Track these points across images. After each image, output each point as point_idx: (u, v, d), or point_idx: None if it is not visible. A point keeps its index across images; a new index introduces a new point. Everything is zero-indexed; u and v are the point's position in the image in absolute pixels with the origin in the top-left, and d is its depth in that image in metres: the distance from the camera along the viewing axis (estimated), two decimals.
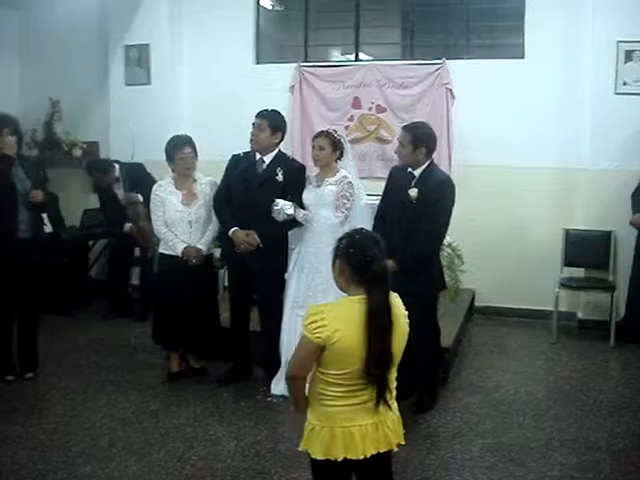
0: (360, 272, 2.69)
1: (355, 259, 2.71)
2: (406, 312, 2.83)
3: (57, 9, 7.59)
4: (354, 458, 2.71)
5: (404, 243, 4.61)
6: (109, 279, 7.60)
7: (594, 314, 6.77)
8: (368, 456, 2.72)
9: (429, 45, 7.64)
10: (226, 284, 6.07)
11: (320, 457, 2.73)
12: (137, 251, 7.22)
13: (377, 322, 2.65)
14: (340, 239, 2.80)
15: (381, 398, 2.70)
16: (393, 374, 2.78)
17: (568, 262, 6.81)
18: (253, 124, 5.14)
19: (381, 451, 2.75)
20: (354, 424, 2.72)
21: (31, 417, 4.75)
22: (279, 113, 5.24)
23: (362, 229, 2.91)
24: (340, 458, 2.71)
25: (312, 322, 2.66)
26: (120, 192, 7.07)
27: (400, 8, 7.93)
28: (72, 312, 7.25)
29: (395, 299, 2.80)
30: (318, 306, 2.77)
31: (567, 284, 6.60)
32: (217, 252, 5.72)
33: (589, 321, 6.79)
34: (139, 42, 7.74)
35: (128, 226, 6.99)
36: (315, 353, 2.68)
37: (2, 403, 4.97)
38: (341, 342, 2.64)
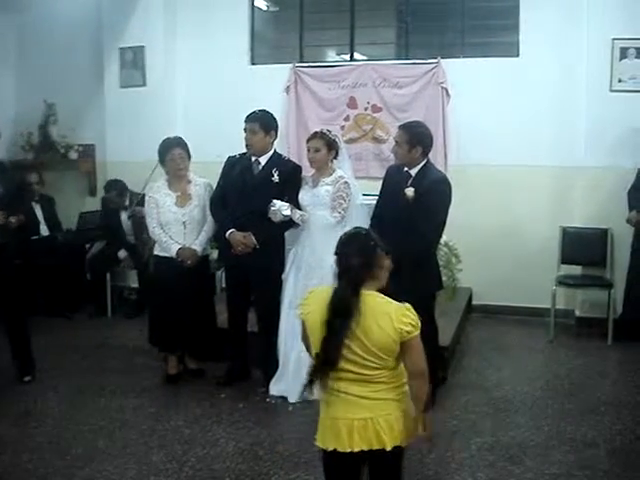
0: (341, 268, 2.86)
1: (339, 257, 2.88)
2: (403, 324, 2.77)
3: (52, 12, 7.57)
4: (341, 450, 2.75)
5: (401, 242, 4.57)
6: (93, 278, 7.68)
7: (591, 312, 6.78)
8: (356, 451, 2.74)
9: (424, 44, 7.62)
10: (223, 285, 6.06)
11: (319, 445, 2.86)
12: (122, 253, 7.35)
13: (332, 320, 2.74)
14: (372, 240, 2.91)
15: (313, 379, 2.78)
16: (358, 368, 2.76)
17: (565, 260, 6.82)
18: (245, 129, 5.13)
19: (373, 448, 2.75)
20: (339, 417, 2.78)
21: (29, 420, 4.75)
22: (268, 112, 5.22)
23: (354, 229, 3.06)
24: (330, 448, 2.78)
25: (302, 301, 2.96)
26: (124, 217, 7.24)
27: (395, 8, 7.92)
28: (69, 314, 7.25)
29: (378, 300, 2.81)
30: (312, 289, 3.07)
31: (564, 282, 6.61)
32: (214, 253, 5.72)
33: (586, 319, 6.79)
34: (134, 44, 7.72)
35: (123, 254, 7.32)
36: (303, 329, 2.92)
37: (0, 406, 4.96)
38: (310, 321, 2.83)
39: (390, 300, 2.82)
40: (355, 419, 2.75)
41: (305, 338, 2.94)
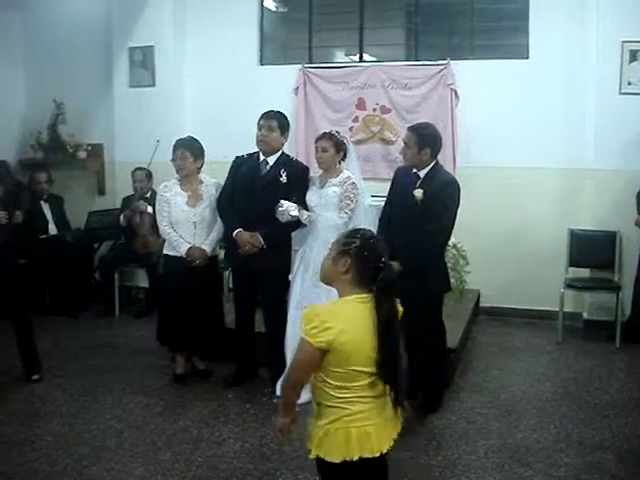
0: (370, 276, 2.68)
1: (368, 263, 2.69)
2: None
3: (61, 11, 7.59)
4: (370, 456, 2.68)
5: (409, 244, 4.60)
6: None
7: (599, 314, 6.77)
8: (384, 452, 2.71)
9: (433, 46, 7.61)
10: (231, 285, 6.07)
11: (337, 460, 2.68)
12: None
13: (391, 330, 2.65)
14: (350, 236, 2.77)
15: (397, 399, 2.70)
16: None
17: (573, 262, 6.80)
18: (261, 126, 5.13)
19: (391, 445, 2.75)
20: (368, 423, 2.69)
21: (37, 419, 4.76)
22: (283, 114, 5.26)
23: (371, 231, 2.88)
24: (356, 458, 2.66)
25: (313, 327, 2.61)
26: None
27: (404, 9, 7.91)
28: (77, 314, 7.27)
29: None
30: (314, 309, 2.71)
31: (572, 284, 6.59)
32: (222, 253, 5.73)
33: (594, 321, 6.78)
34: (143, 44, 7.75)
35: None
36: (317, 357, 2.64)
37: (8, 405, 4.98)
38: (349, 342, 2.61)
39: None
40: (380, 422, 2.72)
41: (310, 371, 2.71)
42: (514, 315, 7.17)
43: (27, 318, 5.46)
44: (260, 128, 5.14)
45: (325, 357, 2.64)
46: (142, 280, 7.71)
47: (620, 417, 4.81)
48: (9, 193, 5.38)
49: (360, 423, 2.68)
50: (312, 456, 2.77)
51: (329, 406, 2.71)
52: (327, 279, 2.80)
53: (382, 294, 2.66)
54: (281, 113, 5.22)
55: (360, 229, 2.88)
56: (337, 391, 2.68)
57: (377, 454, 2.69)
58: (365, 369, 2.66)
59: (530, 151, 6.98)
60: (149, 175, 7.23)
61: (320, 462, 2.75)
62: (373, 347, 2.64)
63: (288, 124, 5.25)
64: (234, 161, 5.35)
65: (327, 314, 2.65)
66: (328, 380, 2.68)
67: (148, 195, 7.25)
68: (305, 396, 2.91)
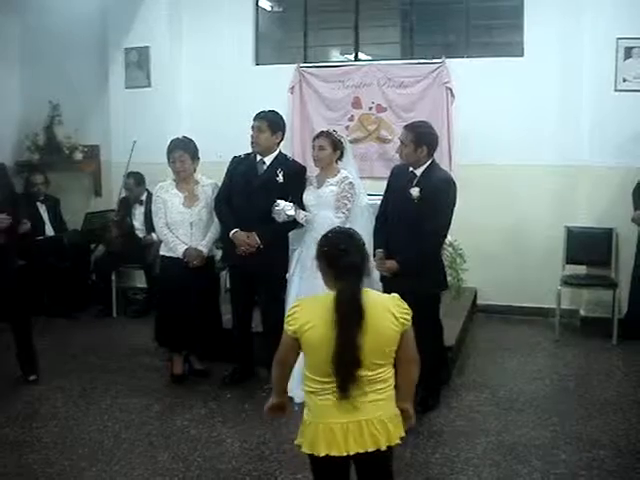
0: (333, 266, 2.77)
1: (329, 255, 2.79)
2: (402, 315, 2.78)
3: (57, 12, 7.57)
4: (336, 455, 2.69)
5: (406, 243, 4.61)
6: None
7: (596, 311, 6.77)
8: (351, 454, 2.70)
9: (429, 44, 7.64)
10: (228, 285, 6.07)
11: (307, 451, 2.77)
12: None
13: (341, 313, 2.67)
14: (321, 238, 2.89)
15: (343, 394, 2.69)
16: (368, 371, 2.72)
17: (570, 260, 6.81)
18: (253, 127, 5.15)
19: (369, 450, 2.71)
20: (334, 420, 2.71)
21: (35, 420, 4.76)
22: (277, 113, 5.25)
23: (339, 227, 3.04)
24: (322, 454, 2.70)
25: (289, 315, 2.80)
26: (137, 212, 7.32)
27: (399, 7, 7.93)
28: (74, 315, 7.26)
29: (375, 297, 2.82)
30: (298, 300, 2.92)
31: (569, 281, 6.60)
32: (218, 254, 5.73)
33: (591, 318, 6.78)
34: (139, 45, 7.75)
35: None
36: (291, 344, 2.78)
37: (6, 407, 4.97)
38: (310, 333, 2.71)
39: (379, 293, 2.86)
40: (350, 422, 2.70)
41: (289, 356, 2.83)
42: (511, 312, 7.18)
43: (26, 319, 5.45)
44: (252, 129, 5.15)
45: (300, 345, 2.76)
46: (139, 281, 7.71)
47: (618, 414, 4.82)
48: (7, 197, 5.37)
49: (326, 419, 2.73)
50: (296, 442, 2.87)
51: (308, 396, 2.81)
52: (328, 287, 2.85)
53: (338, 277, 2.73)
54: (273, 112, 5.22)
55: (331, 230, 2.96)
56: (309, 384, 2.78)
57: (344, 453, 2.70)
58: (323, 362, 2.68)
59: (526, 148, 6.99)
60: (139, 180, 7.25)
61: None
62: (334, 341, 2.67)
63: (281, 123, 5.23)
64: (231, 161, 5.35)
65: (300, 305, 2.82)
66: (305, 369, 2.80)
67: (143, 198, 7.26)
68: (302, 394, 2.94)
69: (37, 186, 7.42)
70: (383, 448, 2.74)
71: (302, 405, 2.93)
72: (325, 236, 2.87)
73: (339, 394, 2.70)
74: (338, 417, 2.71)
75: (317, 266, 2.87)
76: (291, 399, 4.92)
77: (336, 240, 2.81)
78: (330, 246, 2.80)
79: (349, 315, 2.67)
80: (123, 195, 7.37)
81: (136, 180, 7.29)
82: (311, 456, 2.78)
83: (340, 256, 2.74)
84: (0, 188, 5.35)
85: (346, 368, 2.66)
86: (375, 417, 2.74)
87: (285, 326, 2.79)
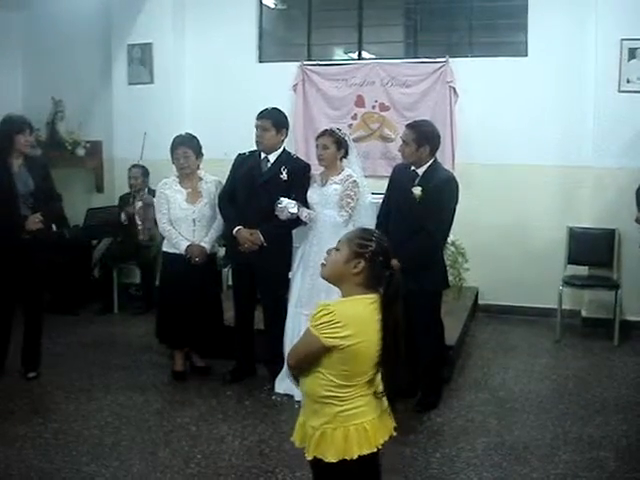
0: (379, 280, 2.68)
1: (381, 267, 2.68)
2: None
3: (60, 8, 7.58)
4: (368, 452, 2.67)
5: (407, 242, 4.60)
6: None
7: (598, 312, 6.77)
8: (380, 447, 2.71)
9: (432, 43, 7.62)
10: (230, 283, 6.07)
11: (334, 460, 2.65)
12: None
13: (396, 333, 2.65)
14: (365, 238, 2.72)
15: (390, 390, 2.70)
16: None
17: (572, 260, 6.80)
18: (256, 126, 5.14)
19: (386, 439, 2.74)
20: (367, 419, 2.68)
21: (35, 416, 4.76)
22: (280, 110, 5.24)
23: (382, 235, 2.83)
24: (355, 456, 2.64)
25: (324, 323, 2.57)
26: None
27: (403, 6, 7.92)
28: (76, 311, 7.27)
29: None
30: (328, 305, 2.62)
31: (571, 282, 6.60)
32: (221, 251, 5.73)
33: (593, 319, 6.78)
34: (142, 41, 7.74)
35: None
36: (320, 352, 2.61)
37: (6, 402, 4.97)
38: (358, 342, 2.59)
39: None
40: (376, 417, 2.72)
41: (311, 363, 2.67)
42: (512, 312, 7.17)
43: (41, 316, 5.47)
44: (256, 128, 5.14)
45: (328, 354, 2.61)
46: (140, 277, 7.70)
47: (618, 414, 4.82)
48: (47, 196, 5.41)
49: (358, 420, 2.67)
50: (309, 457, 2.74)
51: (326, 403, 2.67)
52: (334, 278, 2.75)
53: (392, 298, 2.66)
54: (277, 110, 5.21)
55: (372, 231, 2.86)
56: (337, 389, 2.65)
57: (374, 449, 2.69)
58: (369, 368, 2.66)
59: (529, 148, 6.98)
60: (145, 172, 7.21)
61: (316, 462, 2.71)
62: (378, 347, 2.63)
63: (285, 121, 5.23)
64: (236, 159, 5.35)
65: (340, 312, 2.60)
66: (331, 378, 2.64)
67: (145, 191, 7.24)
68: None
69: None
70: (394, 433, 2.78)
71: (302, 402, 2.89)
72: (379, 243, 2.71)
73: (380, 393, 2.70)
74: (371, 414, 2.70)
75: (349, 258, 2.67)
76: (290, 397, 4.97)
77: (390, 254, 2.73)
78: (385, 258, 2.70)
79: (401, 334, 2.67)
80: (124, 192, 7.36)
81: (143, 172, 7.24)
82: (340, 463, 2.66)
83: (391, 273, 2.68)
84: (41, 186, 5.34)
85: (394, 366, 2.67)
86: (385, 405, 2.76)
87: (317, 334, 2.58)
